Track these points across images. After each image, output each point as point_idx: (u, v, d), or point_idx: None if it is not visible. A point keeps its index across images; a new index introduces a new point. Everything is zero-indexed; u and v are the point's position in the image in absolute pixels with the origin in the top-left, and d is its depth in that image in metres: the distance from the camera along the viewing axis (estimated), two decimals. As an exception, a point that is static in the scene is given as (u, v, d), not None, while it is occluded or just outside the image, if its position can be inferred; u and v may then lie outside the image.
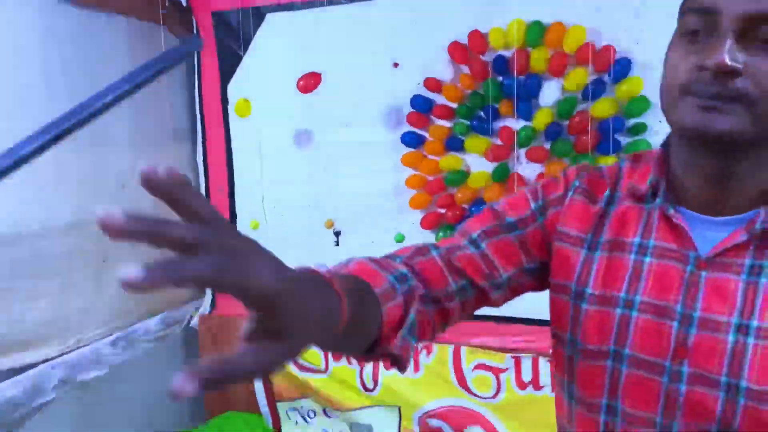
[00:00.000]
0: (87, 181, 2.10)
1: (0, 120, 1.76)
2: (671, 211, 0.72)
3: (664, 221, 0.73)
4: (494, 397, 2.18)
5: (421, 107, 2.12)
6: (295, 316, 0.43)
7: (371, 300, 0.65)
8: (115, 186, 2.22)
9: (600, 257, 0.76)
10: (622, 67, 1.84)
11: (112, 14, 2.18)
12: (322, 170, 2.33)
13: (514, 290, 0.84)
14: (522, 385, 2.13)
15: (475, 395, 2.21)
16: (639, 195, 0.76)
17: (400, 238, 2.17)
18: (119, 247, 2.22)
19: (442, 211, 2.16)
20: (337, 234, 2.33)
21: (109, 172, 2.19)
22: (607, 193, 0.80)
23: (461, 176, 2.10)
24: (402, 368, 0.69)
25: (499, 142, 2.04)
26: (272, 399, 2.59)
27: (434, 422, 2.30)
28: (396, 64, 2.11)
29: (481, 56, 2.02)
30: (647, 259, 0.73)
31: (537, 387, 2.11)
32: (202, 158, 2.55)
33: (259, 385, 2.58)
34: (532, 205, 0.83)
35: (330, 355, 2.40)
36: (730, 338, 0.66)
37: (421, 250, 0.81)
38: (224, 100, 2.46)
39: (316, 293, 0.48)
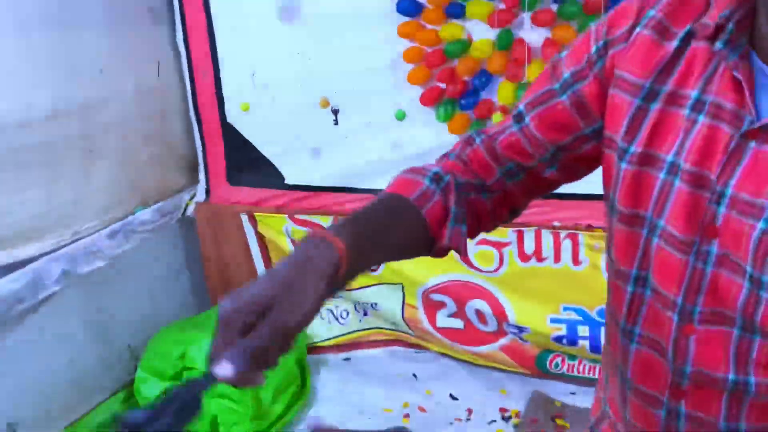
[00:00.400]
0: (63, 66, 1.97)
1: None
2: (733, 59, 0.59)
3: (728, 72, 0.60)
4: (496, 270, 2.21)
5: (418, -30, 1.95)
6: (292, 306, 0.53)
7: (403, 212, 0.71)
8: (93, 70, 2.08)
9: (654, 110, 0.64)
10: None
11: None
12: (312, 46, 2.19)
13: (573, 162, 0.75)
14: (524, 258, 2.14)
15: (477, 269, 2.23)
16: (707, 33, 0.61)
17: (400, 116, 2.08)
18: (103, 136, 2.13)
19: (443, 85, 2.06)
20: (335, 112, 2.23)
21: (86, 57, 2.05)
22: (687, 27, 0.64)
23: (462, 46, 1.98)
24: (461, 254, 0.75)
25: (502, 5, 1.90)
26: (275, 283, 2.61)
27: (437, 297, 2.35)
28: None
29: None
30: (701, 119, 0.61)
31: (540, 259, 2.13)
32: (182, 38, 2.38)
33: (261, 269, 2.59)
34: (592, 47, 0.69)
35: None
36: (760, 225, 0.56)
37: (468, 140, 0.80)
38: (201, -28, 2.26)
39: (302, 278, 0.55)
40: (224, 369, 0.48)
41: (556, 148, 0.74)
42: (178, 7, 2.34)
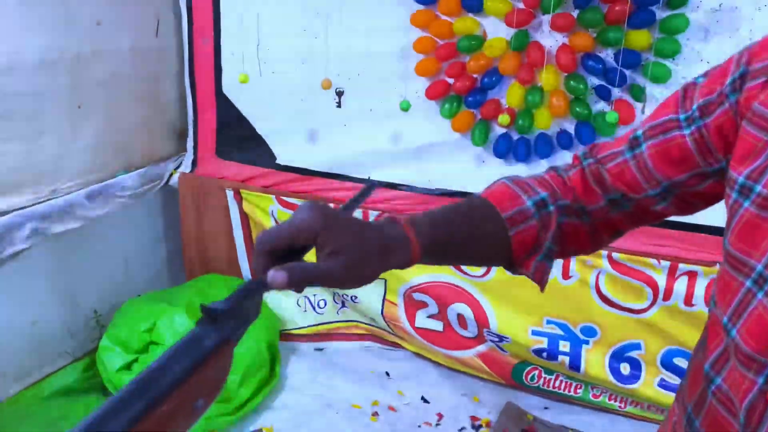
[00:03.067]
0: (59, 16, 1.89)
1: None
2: None
3: None
4: (483, 276, 2.18)
5: (439, -42, 1.91)
6: (339, 243, 0.57)
7: (489, 227, 0.70)
8: (89, 22, 2.00)
9: None
10: (671, -72, 1.65)
11: None
12: (320, 24, 2.13)
13: (689, 198, 0.70)
14: (515, 268, 2.12)
15: (464, 273, 2.21)
16: None
17: (405, 106, 2.04)
18: (93, 92, 2.06)
19: (451, 80, 2.02)
20: (340, 94, 2.18)
21: (83, 8, 1.97)
22: None
23: (476, 42, 1.94)
24: (541, 288, 0.76)
25: (521, 5, 1.87)
26: (254, 264, 2.56)
27: (419, 296, 2.32)
28: None
29: None
30: None
31: (529, 269, 2.10)
32: (185, 1, 2.31)
33: (241, 249, 2.54)
34: (728, 78, 0.63)
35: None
36: None
37: (575, 160, 0.78)
38: (213, -66, 2.19)
39: (362, 230, 0.60)
40: (280, 279, 0.54)
41: (670, 183, 0.69)
42: (184, -34, 2.27)
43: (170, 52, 2.40)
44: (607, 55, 1.84)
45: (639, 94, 1.81)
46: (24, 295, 2.01)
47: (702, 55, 1.75)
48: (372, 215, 2.26)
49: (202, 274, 2.56)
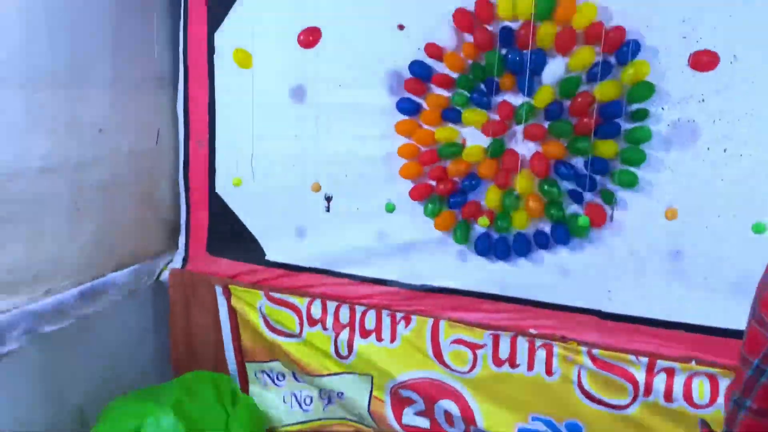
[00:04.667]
0: (62, 123, 2.02)
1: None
2: None
3: None
4: (470, 371, 2.22)
5: (421, 74, 2.08)
6: None
7: None
8: (92, 130, 2.14)
9: None
10: (630, 50, 1.83)
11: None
12: (311, 129, 2.29)
13: None
14: (499, 363, 2.17)
15: (450, 369, 2.25)
16: None
17: (390, 208, 2.16)
18: (92, 195, 2.16)
19: (433, 183, 2.15)
20: (329, 199, 2.30)
21: (87, 115, 2.11)
22: None
23: (456, 149, 2.09)
24: None
25: (497, 117, 2.03)
26: (241, 359, 2.59)
27: (406, 393, 2.34)
28: (401, 26, 2.07)
29: (486, 26, 1.99)
30: None
31: (513, 365, 2.16)
32: (182, 107, 2.47)
33: (228, 345, 2.57)
34: None
35: (305, 321, 2.40)
36: None
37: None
38: (210, 48, 2.38)
39: None
40: None
41: None
42: (182, 77, 2.44)
43: (166, 154, 2.53)
44: (578, 161, 1.98)
45: (609, 198, 1.94)
46: (8, 394, 2.02)
47: (665, 163, 1.89)
48: (359, 310, 2.33)
49: (189, 371, 2.57)
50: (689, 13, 1.79)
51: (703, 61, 1.72)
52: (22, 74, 1.86)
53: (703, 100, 1.82)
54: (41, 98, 1.93)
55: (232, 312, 2.53)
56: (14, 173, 1.87)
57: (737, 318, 1.84)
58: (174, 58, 2.44)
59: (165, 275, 2.57)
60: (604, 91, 1.87)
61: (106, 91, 2.20)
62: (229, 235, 2.51)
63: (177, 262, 2.59)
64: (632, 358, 1.98)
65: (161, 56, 2.42)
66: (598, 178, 1.96)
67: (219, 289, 2.51)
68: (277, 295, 2.43)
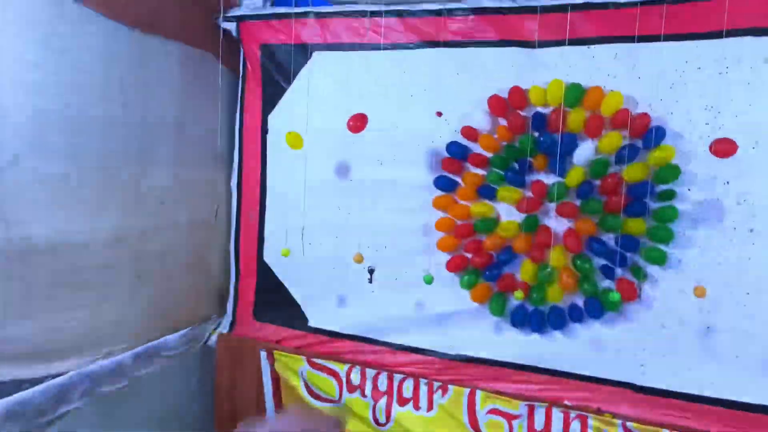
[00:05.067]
0: (130, 196, 2.22)
1: (62, 134, 1.90)
2: None
3: None
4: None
5: (457, 154, 2.23)
6: None
7: None
8: (155, 202, 2.33)
9: None
10: (656, 135, 1.96)
11: (165, 39, 2.31)
12: (354, 203, 2.44)
13: None
14: (534, 433, 2.21)
15: (486, 439, 2.29)
16: None
17: (428, 280, 2.27)
18: (151, 263, 2.34)
19: (469, 255, 2.26)
20: (371, 272, 2.43)
21: (151, 189, 2.31)
22: None
23: (491, 223, 2.21)
24: None
25: (530, 194, 2.15)
26: (282, 424, 2.66)
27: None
28: (439, 113, 2.24)
29: (519, 111, 2.14)
30: None
31: (548, 436, 2.19)
32: (236, 182, 2.67)
33: (270, 409, 2.66)
34: None
35: (345, 387, 2.49)
36: None
37: None
38: (264, 129, 2.59)
39: None
40: None
41: None
42: (237, 155, 2.65)
43: (219, 224, 2.71)
44: (609, 238, 2.07)
45: (639, 273, 2.02)
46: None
47: (693, 240, 1.97)
48: (397, 378, 2.40)
49: (231, 429, 2.66)
50: (711, 101, 1.92)
51: (723, 148, 1.82)
52: (100, 153, 2.07)
53: (727, 183, 1.91)
54: (112, 173, 2.14)
55: (275, 376, 2.64)
56: (85, 244, 2.05)
57: (769, 395, 1.87)
58: (230, 138, 2.65)
59: (213, 339, 2.70)
60: (632, 172, 1.98)
61: (169, 168, 2.40)
62: (275, 302, 2.65)
63: (224, 327, 2.72)
64: (665, 431, 2.01)
65: (217, 136, 2.64)
66: (628, 254, 2.04)
67: (263, 354, 2.63)
68: (318, 361, 2.53)
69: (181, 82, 2.39)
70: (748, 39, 1.85)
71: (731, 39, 1.86)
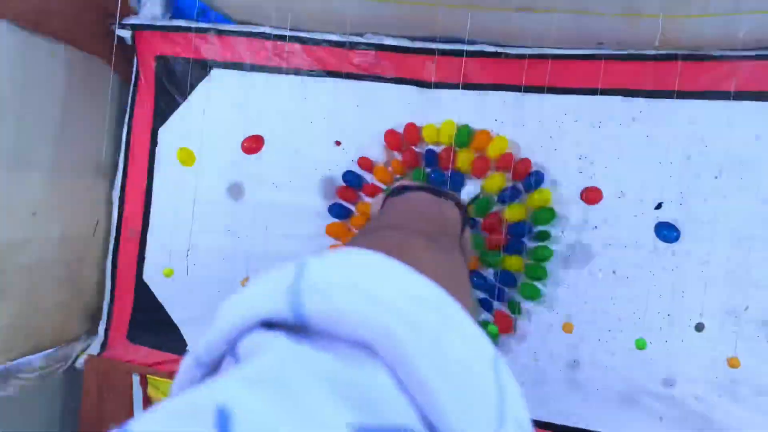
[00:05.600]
0: (-3, 205, 2.05)
1: None
2: None
3: None
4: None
5: (352, 183, 2.27)
6: None
7: None
8: (25, 213, 2.17)
9: None
10: (536, 179, 2.10)
11: (51, 39, 2.18)
12: (245, 227, 2.40)
13: None
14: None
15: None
16: None
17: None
18: (18, 279, 2.16)
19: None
20: (258, 297, 2.38)
21: (21, 199, 2.15)
22: None
23: (380, 254, 2.25)
24: None
25: (419, 227, 2.23)
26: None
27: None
28: (338, 143, 2.27)
29: (413, 147, 2.22)
30: None
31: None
32: (118, 195, 2.55)
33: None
34: None
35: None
36: None
37: None
38: (153, 142, 2.50)
39: None
40: None
41: None
42: (122, 167, 2.53)
43: (96, 241, 2.56)
44: (489, 273, 2.19)
45: (515, 308, 2.14)
46: None
47: (564, 279, 2.13)
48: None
49: (94, 463, 2.49)
50: (585, 151, 2.10)
51: (590, 197, 1.99)
52: (-36, 156, 1.91)
53: (596, 227, 2.09)
54: (-21, 180, 1.98)
55: (147, 401, 2.50)
56: (-60, 252, 1.87)
57: (627, 426, 2.04)
58: (116, 149, 2.53)
59: (80, 361, 2.52)
60: (512, 212, 2.12)
61: (44, 175, 2.25)
62: (152, 324, 2.53)
63: (94, 349, 2.56)
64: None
65: (102, 143, 2.51)
66: (506, 289, 2.17)
67: (136, 378, 2.49)
68: (195, 387, 2.44)
69: (66, 85, 2.26)
70: (619, 99, 2.05)
71: (605, 97, 2.05)
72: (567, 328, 2.08)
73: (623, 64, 2.04)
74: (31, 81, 2.12)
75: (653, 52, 2.03)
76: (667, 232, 2.00)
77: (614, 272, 2.09)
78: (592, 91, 2.06)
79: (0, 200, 2.07)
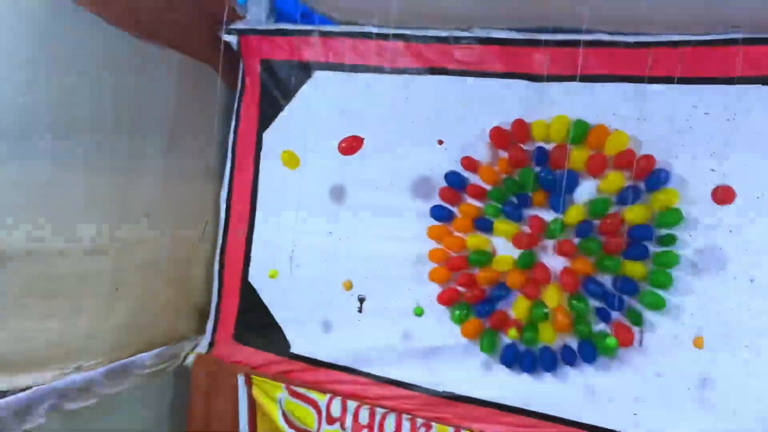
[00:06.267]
0: (114, 206, 2.14)
1: (50, 136, 1.82)
2: None
3: None
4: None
5: (455, 184, 2.19)
6: None
7: None
8: (138, 214, 2.25)
9: None
10: (659, 178, 1.92)
11: (164, 48, 2.25)
12: (345, 229, 2.38)
13: None
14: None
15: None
16: None
17: (419, 312, 2.20)
18: (131, 276, 2.25)
19: (462, 289, 2.20)
20: (362, 300, 2.35)
21: (136, 200, 2.24)
22: None
23: (486, 257, 2.15)
24: None
25: (527, 230, 2.11)
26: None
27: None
28: (440, 142, 2.19)
29: (521, 145, 2.10)
30: None
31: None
32: (225, 197, 2.60)
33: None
34: None
35: (324, 419, 2.39)
36: None
37: None
38: (258, 146, 2.53)
39: None
40: None
41: None
42: (229, 170, 2.59)
43: (204, 240, 2.63)
44: (606, 280, 2.02)
45: (636, 318, 1.96)
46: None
47: (693, 287, 1.92)
48: (379, 412, 2.31)
49: (202, 458, 2.55)
50: (718, 147, 1.89)
51: (722, 196, 1.79)
52: (87, 159, 2.00)
53: (731, 231, 1.88)
54: (98, 180, 2.06)
55: (252, 402, 2.53)
56: (62, 252, 1.96)
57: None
58: (223, 153, 2.59)
59: (190, 359, 2.60)
60: (633, 214, 1.94)
61: (157, 179, 2.33)
62: (257, 325, 2.56)
63: (203, 347, 2.62)
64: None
65: (210, 149, 2.57)
66: (626, 297, 1.99)
67: (241, 378, 2.53)
68: (298, 389, 2.44)
69: (177, 92, 2.34)
70: (759, 87, 1.83)
71: (741, 86, 1.84)
72: (698, 342, 1.87)
73: (764, 49, 1.82)
74: (145, 88, 2.20)
75: (800, 32, 1.80)
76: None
77: (752, 281, 1.86)
78: (728, 81, 1.85)
79: (116, 203, 2.17)
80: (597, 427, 2.04)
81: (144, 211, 2.29)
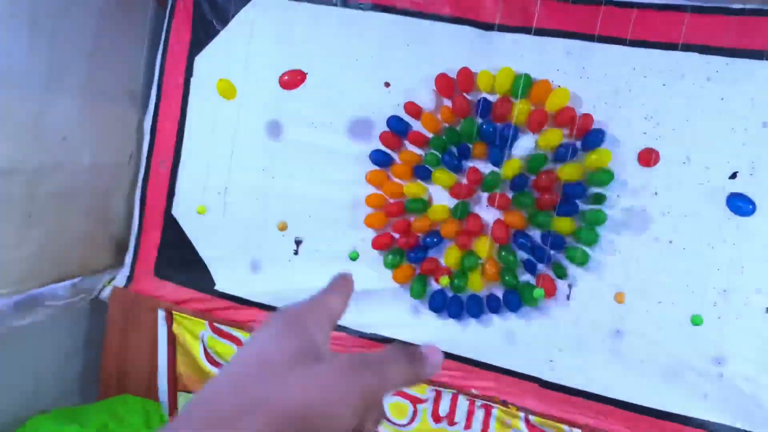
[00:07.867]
0: (28, 127, 1.97)
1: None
2: None
3: None
4: (408, 424, 2.26)
5: (397, 129, 2.16)
6: None
7: None
8: (55, 136, 2.09)
9: None
10: (595, 137, 1.98)
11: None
12: (281, 167, 2.31)
13: None
14: (437, 419, 2.22)
15: (389, 421, 2.27)
16: None
17: (354, 256, 2.19)
18: (47, 204, 2.10)
19: (396, 235, 2.21)
20: (298, 243, 2.32)
21: (52, 122, 2.07)
22: None
23: (422, 205, 2.16)
24: None
25: (465, 181, 2.13)
26: (174, 388, 2.53)
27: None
28: (387, 84, 2.15)
29: (465, 94, 2.09)
30: None
31: (451, 423, 2.21)
32: (150, 125, 2.45)
33: (162, 372, 2.51)
34: None
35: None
36: None
37: None
38: (189, 70, 2.39)
39: None
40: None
41: None
42: (155, 95, 2.43)
43: (126, 169, 2.49)
44: (536, 234, 2.09)
45: (561, 272, 2.05)
46: None
47: (616, 246, 2.03)
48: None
49: (116, 394, 2.49)
50: (652, 111, 1.96)
51: (646, 158, 1.87)
52: (-3, 74, 1.82)
53: (656, 194, 1.97)
54: (12, 101, 1.89)
55: (172, 338, 2.48)
56: (-31, 173, 1.81)
57: (669, 401, 1.98)
58: (149, 75, 2.42)
59: (106, 292, 2.50)
60: (567, 172, 2.00)
61: (76, 99, 2.17)
62: (180, 260, 2.48)
63: (120, 281, 2.52)
64: (566, 428, 2.07)
65: (137, 71, 2.40)
66: (552, 252, 2.07)
67: (162, 314, 2.46)
68: (221, 327, 2.40)
69: (101, 8, 2.14)
70: (695, 56, 1.90)
71: (682, 53, 1.90)
72: (619, 297, 1.99)
73: (707, 18, 1.88)
74: (65, 2, 2.00)
75: (740, 5, 1.86)
76: (741, 203, 1.87)
77: (671, 242, 1.98)
78: (671, 46, 1.90)
79: (32, 122, 2.00)
80: (515, 372, 2.15)
81: (61, 134, 2.13)
